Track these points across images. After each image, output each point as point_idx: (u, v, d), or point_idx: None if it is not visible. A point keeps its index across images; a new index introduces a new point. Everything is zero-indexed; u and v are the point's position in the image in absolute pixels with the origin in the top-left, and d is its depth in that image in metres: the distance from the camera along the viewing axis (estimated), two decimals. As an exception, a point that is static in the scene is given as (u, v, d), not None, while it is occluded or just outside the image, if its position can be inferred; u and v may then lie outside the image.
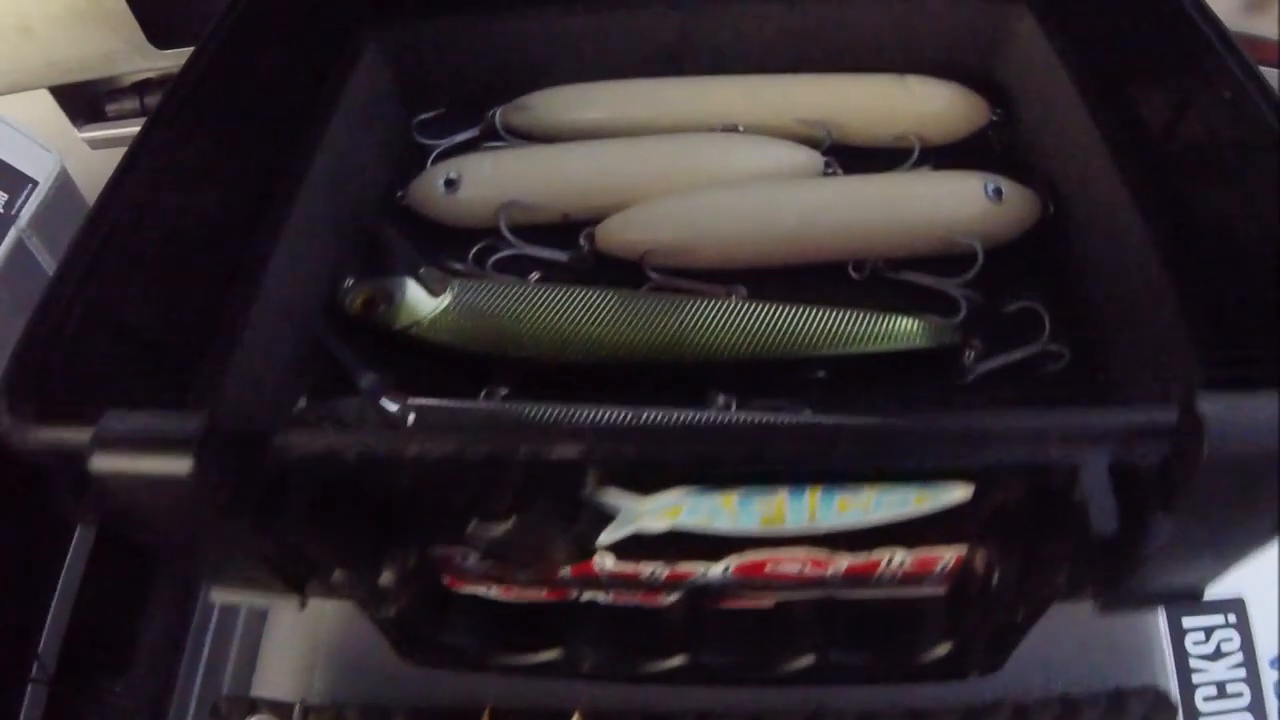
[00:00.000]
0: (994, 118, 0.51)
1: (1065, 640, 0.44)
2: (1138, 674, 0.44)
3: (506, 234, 0.47)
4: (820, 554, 0.34)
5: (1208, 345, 0.35)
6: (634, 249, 0.46)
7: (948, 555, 0.34)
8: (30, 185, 0.64)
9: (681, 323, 0.42)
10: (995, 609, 0.33)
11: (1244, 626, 0.53)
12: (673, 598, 0.37)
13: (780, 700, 0.42)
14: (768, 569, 0.35)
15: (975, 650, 0.35)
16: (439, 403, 0.41)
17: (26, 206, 0.63)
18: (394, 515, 0.31)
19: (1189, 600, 0.31)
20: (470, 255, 0.47)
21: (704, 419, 0.39)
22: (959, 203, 0.46)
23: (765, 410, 0.41)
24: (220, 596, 0.34)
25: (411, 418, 0.41)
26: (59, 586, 0.39)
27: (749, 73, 0.52)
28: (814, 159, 0.49)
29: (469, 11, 0.51)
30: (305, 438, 0.28)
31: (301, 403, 0.42)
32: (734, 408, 0.41)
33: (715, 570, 0.35)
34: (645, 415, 0.39)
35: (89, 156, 0.81)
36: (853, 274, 0.46)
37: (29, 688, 0.42)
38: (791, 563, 0.34)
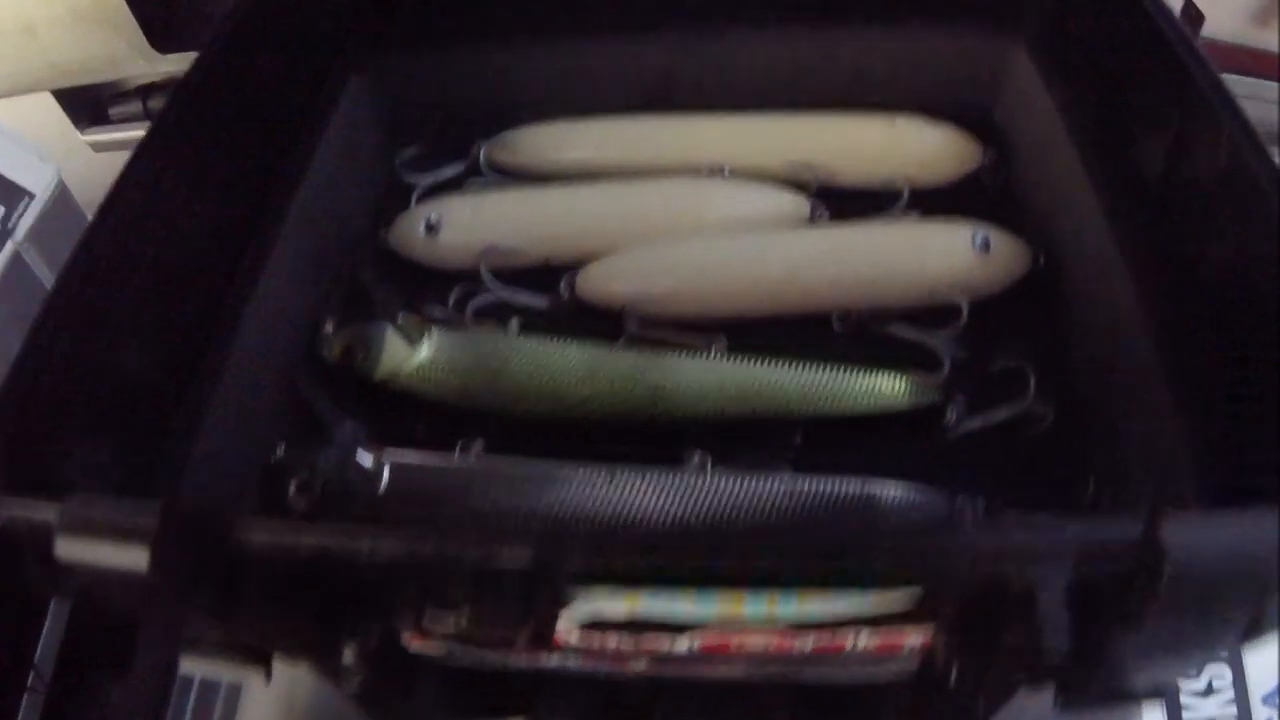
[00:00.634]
0: (986, 160, 0.50)
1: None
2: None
3: (487, 279, 0.47)
4: (785, 634, 0.34)
5: (1196, 440, 0.34)
6: (614, 299, 0.45)
7: (914, 637, 0.34)
8: (27, 198, 0.64)
9: (659, 379, 0.42)
10: (958, 696, 0.32)
11: (1236, 662, 0.52)
12: (640, 665, 0.37)
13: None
14: (733, 645, 0.34)
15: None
16: (414, 457, 0.41)
17: (23, 220, 0.63)
18: (353, 600, 0.31)
19: (1154, 698, 0.31)
20: (451, 300, 0.47)
21: (678, 481, 0.39)
22: (945, 255, 0.45)
23: (742, 470, 0.40)
24: (189, 665, 0.34)
25: (386, 471, 0.41)
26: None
27: (738, 109, 0.51)
28: (800, 204, 0.48)
29: (455, 45, 0.50)
30: (261, 532, 0.28)
31: (280, 450, 0.43)
32: (710, 466, 0.41)
33: (681, 644, 0.35)
34: (618, 477, 0.39)
35: (92, 160, 0.81)
36: (836, 325, 0.46)
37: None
38: (757, 640, 0.34)
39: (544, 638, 0.31)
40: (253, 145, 0.45)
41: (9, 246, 0.61)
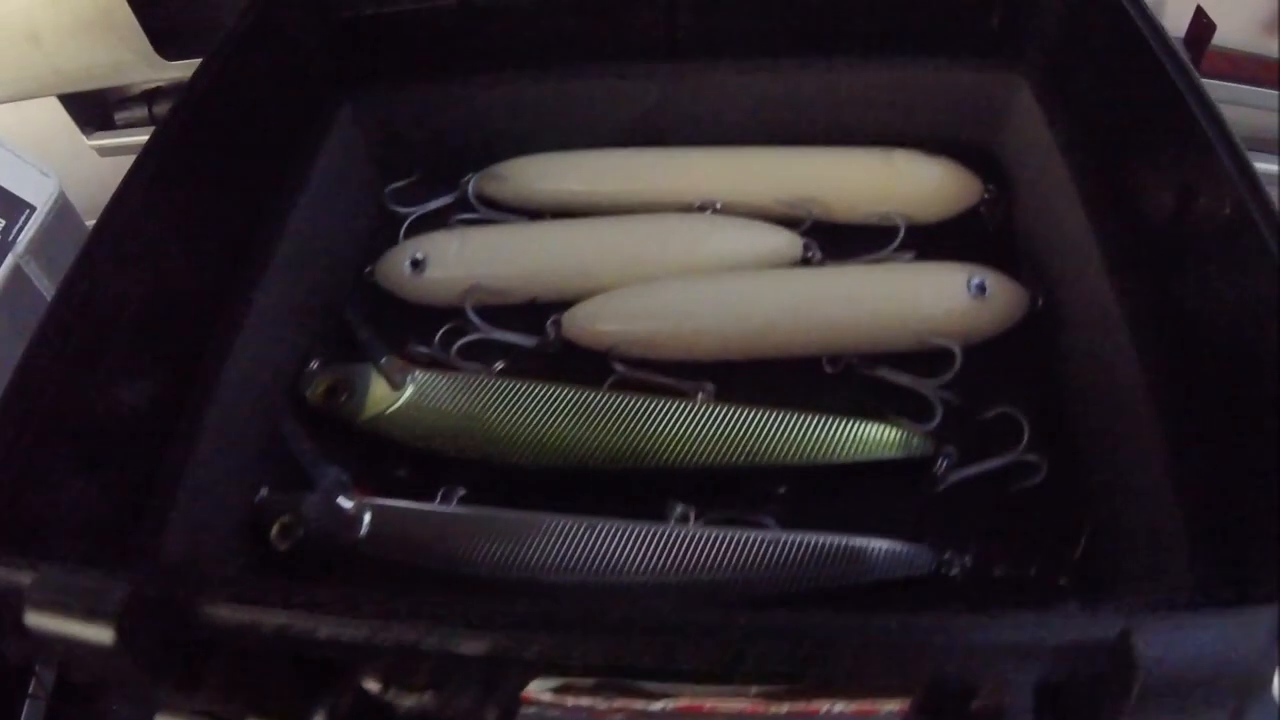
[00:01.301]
0: (986, 195, 0.48)
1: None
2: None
3: (472, 318, 0.46)
4: (759, 701, 0.33)
5: (1190, 509, 0.33)
6: (600, 340, 0.45)
7: (890, 706, 0.34)
8: (28, 211, 0.64)
9: (643, 427, 0.41)
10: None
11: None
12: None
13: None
14: (706, 709, 0.34)
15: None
16: (395, 503, 0.41)
17: (24, 232, 0.63)
18: (321, 670, 0.31)
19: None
20: (436, 339, 0.46)
21: (658, 534, 0.39)
22: (939, 299, 0.44)
23: (725, 523, 0.40)
24: (164, 724, 0.34)
25: (367, 518, 0.41)
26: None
27: (733, 142, 0.50)
28: (793, 243, 0.47)
29: (445, 78, 0.49)
30: (225, 611, 0.28)
31: (264, 492, 0.43)
32: (693, 518, 0.40)
33: (655, 706, 0.34)
34: (598, 530, 0.38)
35: (97, 164, 0.81)
36: (827, 368, 0.45)
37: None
38: (733, 705, 0.34)
39: (510, 713, 0.31)
40: (240, 180, 0.45)
41: (9, 259, 0.61)
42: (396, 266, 0.47)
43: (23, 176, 0.65)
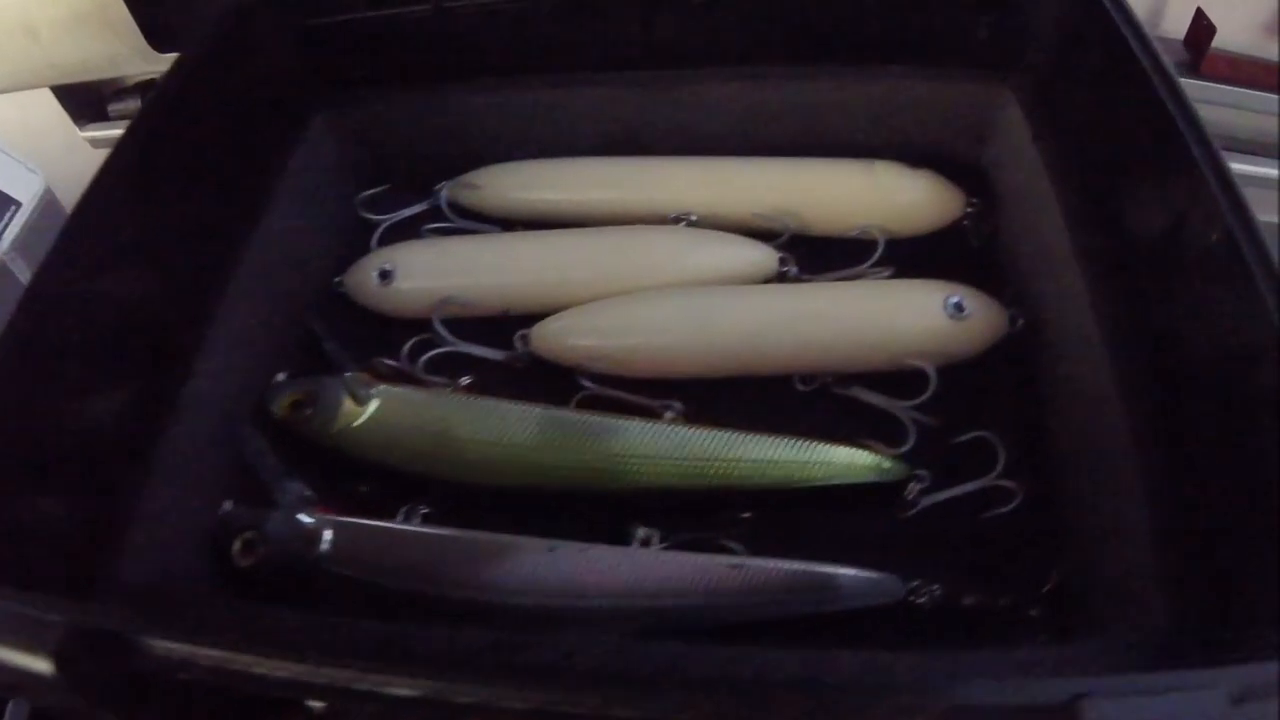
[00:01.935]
0: (970, 210, 0.47)
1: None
2: None
3: (441, 331, 0.45)
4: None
5: (1165, 550, 0.32)
6: (568, 355, 0.44)
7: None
8: (14, 207, 0.64)
9: (609, 446, 0.40)
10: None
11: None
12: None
13: None
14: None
15: None
16: (354, 521, 0.40)
17: (9, 229, 0.63)
18: (262, 704, 0.30)
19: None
20: (404, 351, 0.46)
21: (620, 558, 0.38)
22: (915, 318, 0.42)
23: (689, 548, 0.39)
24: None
25: (328, 535, 0.40)
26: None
27: (714, 153, 0.49)
28: (769, 256, 0.46)
29: (420, 85, 0.48)
30: (162, 645, 0.28)
31: (227, 506, 0.42)
32: (657, 542, 0.39)
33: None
34: (559, 552, 0.38)
35: (91, 156, 0.81)
36: (800, 386, 0.44)
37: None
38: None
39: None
40: (207, 190, 0.44)
41: (-5, 256, 0.61)
42: (365, 277, 0.47)
43: (8, 173, 0.65)
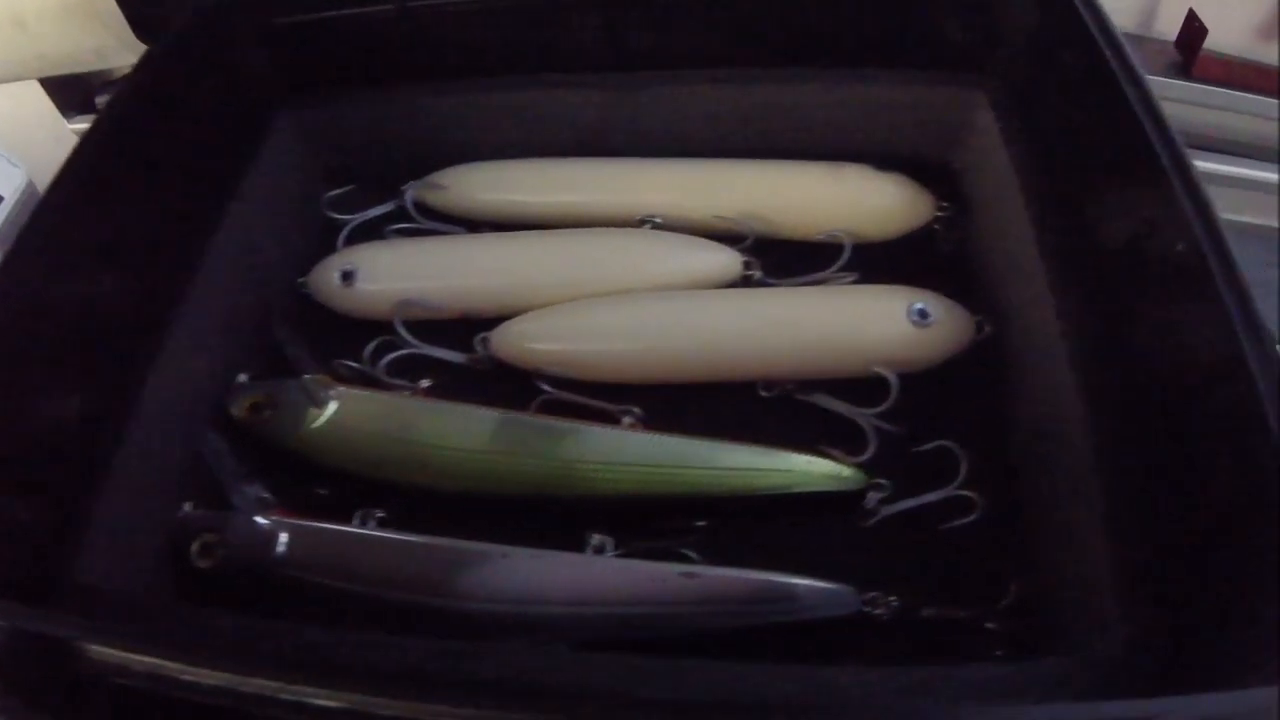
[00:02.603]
0: (940, 213, 0.46)
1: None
2: None
3: (402, 333, 0.45)
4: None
5: (1123, 566, 0.32)
6: (529, 358, 0.43)
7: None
8: (-4, 201, 0.64)
9: (566, 452, 0.40)
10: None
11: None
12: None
13: None
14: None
15: None
16: (309, 524, 0.40)
17: (-9, 222, 0.63)
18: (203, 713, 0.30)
19: None
20: (366, 353, 0.45)
21: (573, 566, 0.38)
22: (878, 325, 0.42)
23: (643, 556, 0.39)
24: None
25: (284, 537, 0.40)
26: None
27: (683, 155, 0.49)
28: (733, 261, 0.45)
29: (385, 86, 0.48)
30: (100, 651, 0.28)
31: (186, 508, 0.42)
32: (611, 549, 0.39)
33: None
34: (511, 558, 0.37)
35: (78, 148, 0.81)
36: (762, 393, 0.43)
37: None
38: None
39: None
40: (171, 190, 0.44)
41: (-24, 250, 0.61)
42: (327, 278, 0.46)
43: (-9, 168, 0.65)
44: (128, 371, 0.41)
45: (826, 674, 0.29)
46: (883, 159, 0.48)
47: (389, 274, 0.46)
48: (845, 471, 0.40)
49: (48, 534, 0.36)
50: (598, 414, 0.42)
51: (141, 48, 0.71)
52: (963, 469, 0.40)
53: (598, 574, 0.38)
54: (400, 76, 0.48)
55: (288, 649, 0.29)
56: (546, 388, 0.43)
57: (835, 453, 0.40)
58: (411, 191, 0.50)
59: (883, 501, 0.40)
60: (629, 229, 0.47)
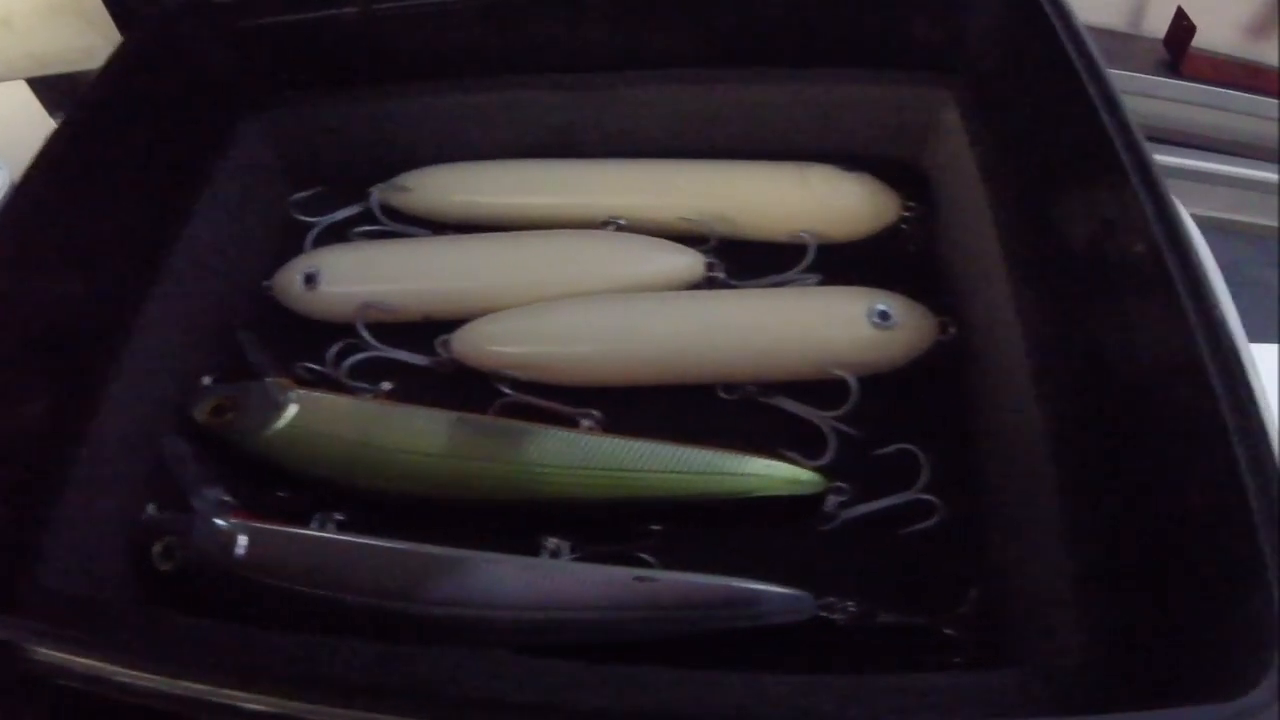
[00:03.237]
0: (907, 214, 0.46)
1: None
2: None
3: (365, 335, 0.45)
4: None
5: (1081, 573, 0.31)
6: (490, 361, 0.43)
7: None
8: (-21, 200, 0.64)
9: (521, 456, 0.40)
10: None
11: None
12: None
13: None
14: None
15: None
16: (267, 527, 0.40)
17: (-26, 222, 0.63)
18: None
19: None
20: (329, 356, 0.45)
21: (527, 570, 0.38)
22: (839, 327, 0.41)
23: (597, 560, 0.38)
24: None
25: (243, 540, 0.40)
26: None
27: (648, 156, 0.48)
28: (696, 262, 0.45)
29: (350, 88, 0.48)
30: (42, 653, 0.28)
31: (149, 510, 0.42)
32: (567, 553, 0.39)
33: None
34: (466, 563, 0.37)
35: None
36: (722, 394, 0.43)
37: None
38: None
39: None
40: (136, 193, 0.44)
41: (-42, 250, 0.61)
42: (290, 280, 0.46)
43: (-27, 167, 0.66)
44: (91, 373, 0.41)
45: (767, 682, 0.29)
46: (849, 159, 0.47)
47: (351, 276, 0.46)
48: (804, 475, 0.40)
49: (8, 539, 0.36)
50: (557, 417, 0.42)
51: (129, 46, 0.72)
52: (924, 473, 0.40)
53: (553, 578, 0.38)
54: (366, 79, 0.48)
55: (224, 653, 0.29)
56: (506, 390, 0.43)
57: (794, 456, 0.40)
58: (377, 193, 0.49)
59: (842, 505, 0.39)
60: (591, 231, 0.47)
